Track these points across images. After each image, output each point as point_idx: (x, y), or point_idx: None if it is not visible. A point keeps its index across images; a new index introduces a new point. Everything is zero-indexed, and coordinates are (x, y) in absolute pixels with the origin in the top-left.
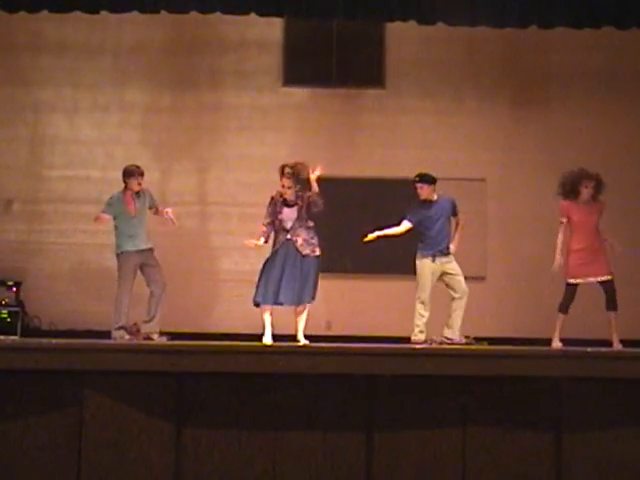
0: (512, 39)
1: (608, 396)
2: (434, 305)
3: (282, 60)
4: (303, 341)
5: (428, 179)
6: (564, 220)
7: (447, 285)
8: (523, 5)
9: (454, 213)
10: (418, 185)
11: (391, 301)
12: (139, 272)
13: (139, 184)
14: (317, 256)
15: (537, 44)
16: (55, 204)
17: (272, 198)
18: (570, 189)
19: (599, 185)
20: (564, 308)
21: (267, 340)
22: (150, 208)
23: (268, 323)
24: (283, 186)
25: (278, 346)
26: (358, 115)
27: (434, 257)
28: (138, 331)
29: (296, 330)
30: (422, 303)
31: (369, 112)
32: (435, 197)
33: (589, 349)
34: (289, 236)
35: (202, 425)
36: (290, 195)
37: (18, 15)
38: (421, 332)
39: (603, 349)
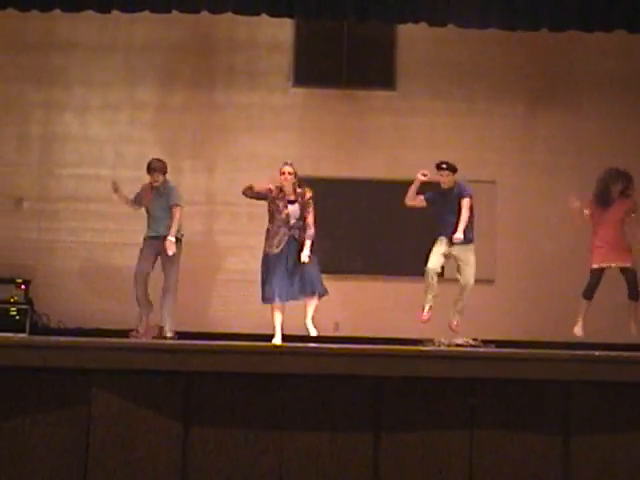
0: (525, 41)
1: (616, 400)
2: (439, 307)
3: (292, 60)
4: (312, 330)
5: (452, 167)
6: (587, 212)
7: (457, 271)
8: (534, 7)
9: (462, 195)
10: (444, 172)
11: (400, 303)
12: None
13: (154, 180)
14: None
15: (550, 46)
16: (65, 202)
17: (270, 189)
18: (603, 191)
19: (628, 181)
20: (589, 294)
21: (277, 341)
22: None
23: (278, 323)
24: (285, 172)
25: (286, 346)
26: (368, 116)
27: (448, 242)
28: (146, 330)
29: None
30: (427, 274)
31: (379, 113)
32: (453, 185)
33: (597, 353)
34: (292, 232)
35: (209, 424)
36: (288, 186)
37: (30, 14)
38: (430, 297)
39: (611, 353)
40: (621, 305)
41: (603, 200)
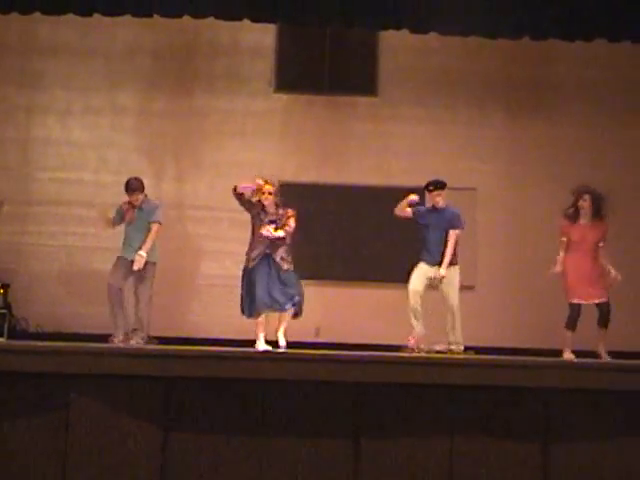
0: (507, 49)
1: (595, 407)
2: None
3: (275, 66)
4: (282, 341)
5: (442, 186)
6: (564, 239)
7: (440, 291)
8: (516, 16)
9: (452, 226)
10: (436, 193)
11: (381, 309)
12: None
13: (135, 199)
14: (293, 271)
15: (532, 55)
16: (46, 206)
17: (255, 203)
18: (572, 207)
19: (596, 200)
20: (571, 325)
21: (261, 347)
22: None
23: (261, 331)
24: (265, 192)
25: (266, 353)
26: (350, 123)
27: (430, 263)
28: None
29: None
30: (410, 296)
31: (361, 120)
32: (443, 205)
33: (575, 360)
34: (268, 251)
35: (189, 430)
36: (270, 205)
37: (11, 16)
38: (416, 323)
39: (590, 360)
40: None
41: (572, 219)
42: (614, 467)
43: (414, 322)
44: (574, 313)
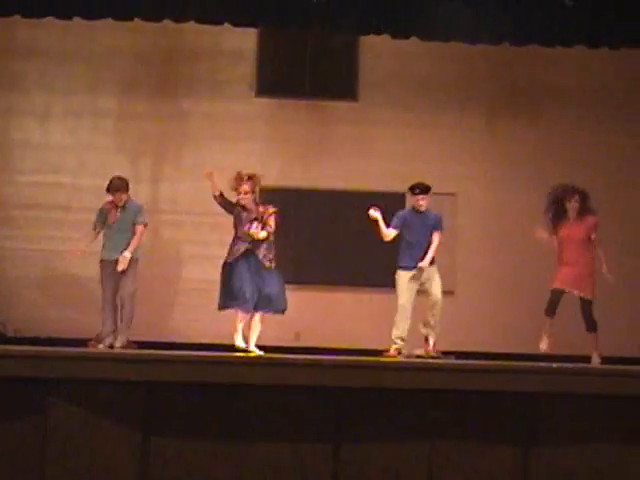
0: (487, 54)
1: (575, 411)
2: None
3: (256, 70)
4: (255, 349)
5: (427, 189)
6: (554, 239)
7: (426, 290)
8: (496, 22)
9: (436, 228)
10: (420, 197)
11: (361, 313)
12: None
13: (118, 199)
14: (275, 270)
15: (512, 60)
16: (24, 210)
17: (235, 203)
18: (557, 208)
19: (584, 199)
20: (550, 311)
21: (238, 343)
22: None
23: (239, 327)
24: (241, 192)
25: (246, 357)
26: (331, 127)
27: (412, 268)
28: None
29: (249, 339)
30: (401, 310)
31: (342, 124)
32: (425, 208)
33: (555, 365)
34: (250, 247)
35: (169, 434)
36: (248, 203)
37: None
38: (400, 339)
39: (570, 365)
40: (577, 318)
41: (559, 217)
42: (595, 471)
43: (397, 338)
44: (554, 298)
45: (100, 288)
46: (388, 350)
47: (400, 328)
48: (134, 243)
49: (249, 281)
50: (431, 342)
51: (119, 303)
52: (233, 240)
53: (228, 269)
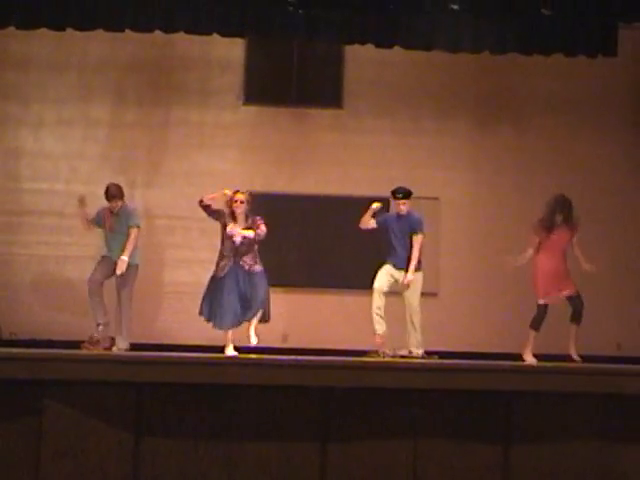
0: (468, 63)
1: (554, 410)
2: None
3: (244, 79)
4: (254, 341)
5: (408, 194)
6: (537, 239)
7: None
8: (476, 31)
9: (413, 230)
10: (401, 202)
11: (345, 315)
12: None
13: (114, 206)
14: (263, 272)
15: (493, 68)
16: (19, 216)
17: (223, 212)
18: (548, 216)
19: (571, 209)
20: (537, 325)
21: (229, 353)
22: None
23: (230, 339)
24: (237, 201)
25: (235, 358)
26: (317, 134)
27: (396, 266)
28: (97, 342)
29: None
30: (374, 291)
31: (327, 131)
32: (406, 211)
33: (537, 364)
34: (237, 259)
35: (160, 435)
36: (241, 213)
37: None
38: (378, 316)
39: (549, 364)
40: (560, 318)
41: (548, 226)
42: (573, 468)
43: (378, 321)
44: (541, 313)
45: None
46: (375, 351)
47: (375, 304)
48: (129, 246)
49: (234, 300)
50: (410, 344)
51: (117, 307)
52: (220, 253)
53: (217, 284)
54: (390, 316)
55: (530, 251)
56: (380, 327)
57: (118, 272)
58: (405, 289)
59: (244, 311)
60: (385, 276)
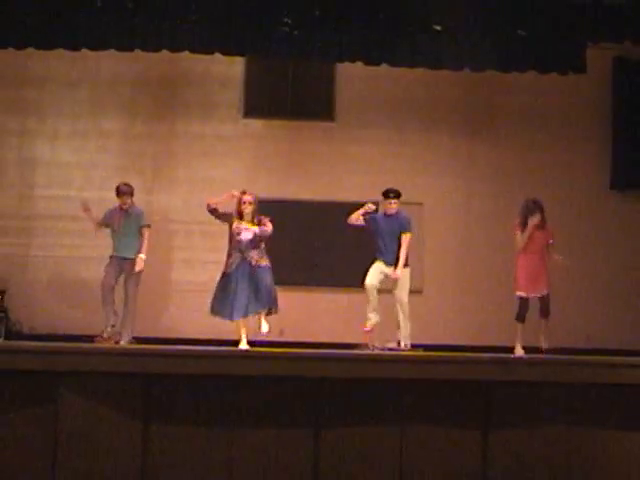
0: (449, 79)
1: (529, 398)
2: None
3: (243, 94)
4: (265, 326)
5: (399, 195)
6: (518, 232)
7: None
8: (457, 50)
9: (402, 229)
10: (393, 201)
11: (337, 311)
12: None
13: (124, 202)
14: (269, 266)
15: (472, 84)
16: (37, 221)
17: (231, 214)
18: (522, 219)
19: (543, 211)
20: (521, 318)
21: (243, 346)
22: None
23: (243, 332)
24: (245, 202)
25: (235, 351)
26: (310, 144)
27: (386, 263)
28: (108, 338)
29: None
30: (366, 289)
31: (320, 142)
32: (394, 211)
33: (512, 355)
34: (244, 255)
35: (166, 422)
36: (248, 214)
37: (6, 51)
38: (372, 315)
39: (525, 356)
40: (532, 312)
41: (523, 229)
42: (546, 452)
43: (371, 313)
44: (523, 306)
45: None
46: (365, 344)
47: (370, 306)
48: (145, 245)
49: (244, 292)
50: (399, 337)
51: (124, 301)
52: (228, 252)
53: (225, 280)
54: (380, 313)
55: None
56: (373, 318)
57: (137, 269)
58: (395, 284)
59: (253, 303)
60: (376, 272)
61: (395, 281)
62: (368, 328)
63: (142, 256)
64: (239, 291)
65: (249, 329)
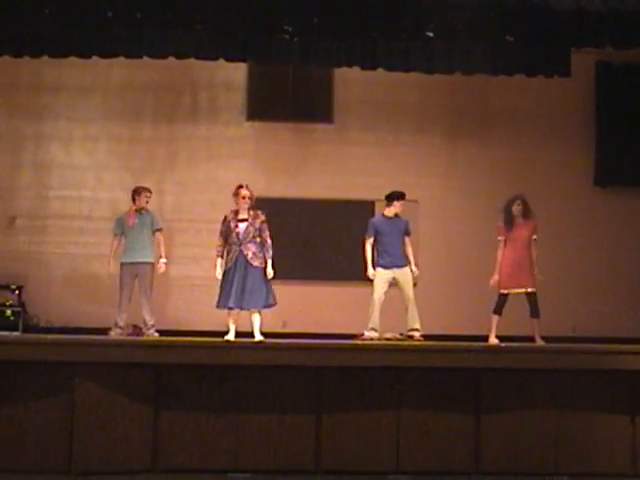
0: (443, 82)
1: (518, 383)
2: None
3: (246, 98)
4: (259, 337)
5: (404, 196)
6: (501, 238)
7: (400, 288)
8: (449, 55)
9: (407, 233)
10: (397, 203)
11: (337, 303)
12: None
13: (141, 202)
14: (264, 268)
15: (464, 87)
16: (52, 220)
17: (225, 218)
18: (507, 215)
19: (525, 203)
20: (498, 311)
21: (230, 337)
22: (153, 231)
23: (231, 323)
24: (244, 197)
25: (242, 342)
26: (310, 146)
27: (389, 267)
28: (138, 334)
29: (252, 329)
30: (373, 303)
31: (320, 143)
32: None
33: (502, 344)
34: (242, 248)
35: (176, 409)
36: (244, 209)
37: (22, 59)
38: (372, 329)
39: (515, 344)
40: (522, 302)
41: (508, 222)
42: (532, 433)
43: (370, 332)
44: (501, 301)
45: (119, 286)
46: (361, 334)
47: (372, 319)
48: (163, 248)
49: (235, 283)
50: (414, 324)
51: (142, 301)
52: (227, 250)
53: (226, 274)
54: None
55: (500, 252)
56: (373, 334)
57: (160, 272)
58: (402, 282)
59: (242, 297)
60: (384, 285)
61: (404, 280)
62: (365, 338)
63: (163, 260)
64: (231, 283)
65: (245, 322)
